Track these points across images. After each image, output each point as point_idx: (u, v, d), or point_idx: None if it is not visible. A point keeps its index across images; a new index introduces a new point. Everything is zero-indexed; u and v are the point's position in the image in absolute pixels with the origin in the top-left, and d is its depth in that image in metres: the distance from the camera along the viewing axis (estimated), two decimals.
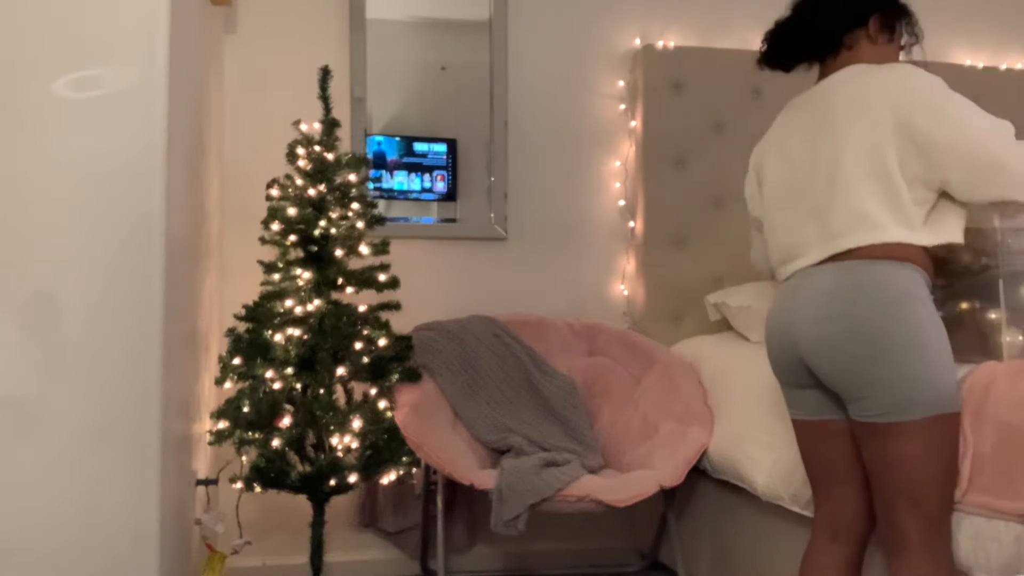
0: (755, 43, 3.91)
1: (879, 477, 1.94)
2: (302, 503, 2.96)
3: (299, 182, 2.94)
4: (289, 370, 2.85)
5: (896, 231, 1.96)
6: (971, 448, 2.06)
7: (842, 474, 2.07)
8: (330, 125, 2.99)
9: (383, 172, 3.56)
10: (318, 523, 2.95)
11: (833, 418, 2.06)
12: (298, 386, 2.88)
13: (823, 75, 2.19)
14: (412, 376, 3.03)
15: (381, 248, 2.98)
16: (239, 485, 2.87)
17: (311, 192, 2.90)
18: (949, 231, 2.01)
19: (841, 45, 2.15)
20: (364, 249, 2.95)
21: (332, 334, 2.84)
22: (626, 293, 3.69)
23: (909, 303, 1.90)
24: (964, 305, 2.34)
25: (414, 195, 3.59)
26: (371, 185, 3.49)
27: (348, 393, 3.00)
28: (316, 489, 2.88)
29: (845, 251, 1.98)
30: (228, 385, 2.92)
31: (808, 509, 2.51)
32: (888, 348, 1.87)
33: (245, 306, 2.95)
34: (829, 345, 1.95)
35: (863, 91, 2.05)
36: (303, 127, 2.97)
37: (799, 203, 2.12)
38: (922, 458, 1.88)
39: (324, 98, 2.99)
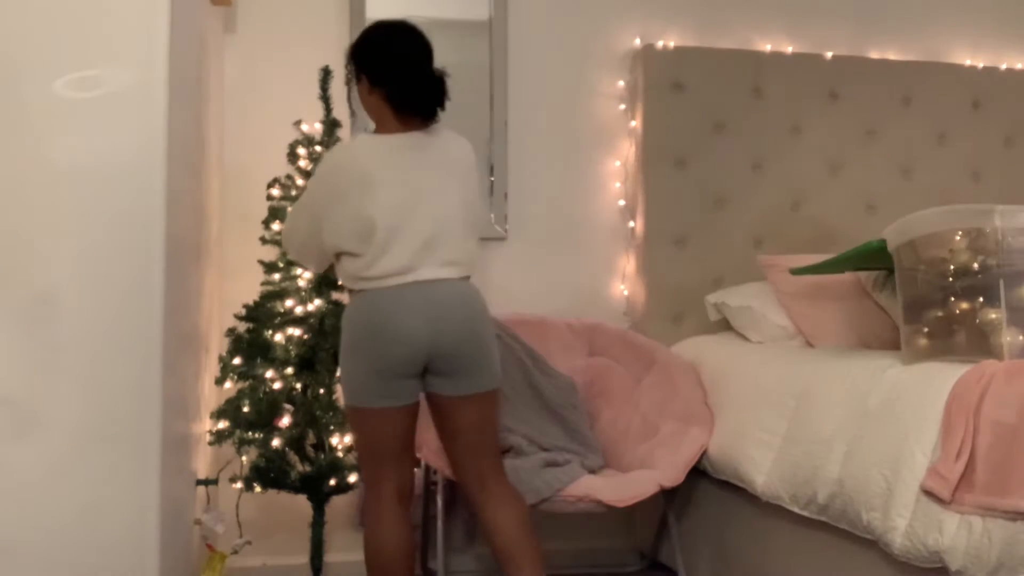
0: (755, 43, 3.92)
1: (474, 435, 2.45)
2: (302, 503, 2.96)
3: (300, 182, 2.94)
4: (289, 370, 2.85)
5: None
6: (967, 446, 2.06)
7: (410, 447, 2.46)
8: (331, 125, 2.99)
9: None
10: (318, 523, 2.96)
11: (416, 401, 2.41)
12: (298, 386, 2.88)
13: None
14: None
15: None
16: (239, 485, 2.87)
17: None
18: None
19: None
20: None
21: (332, 334, 2.84)
22: (626, 293, 3.69)
23: None
24: (964, 305, 2.34)
25: None
26: None
27: None
28: (316, 489, 2.88)
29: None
30: (228, 385, 2.92)
31: (807, 509, 2.52)
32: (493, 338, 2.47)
33: (245, 306, 2.95)
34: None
35: None
36: (304, 127, 2.97)
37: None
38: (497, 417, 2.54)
39: (325, 98, 2.99)
